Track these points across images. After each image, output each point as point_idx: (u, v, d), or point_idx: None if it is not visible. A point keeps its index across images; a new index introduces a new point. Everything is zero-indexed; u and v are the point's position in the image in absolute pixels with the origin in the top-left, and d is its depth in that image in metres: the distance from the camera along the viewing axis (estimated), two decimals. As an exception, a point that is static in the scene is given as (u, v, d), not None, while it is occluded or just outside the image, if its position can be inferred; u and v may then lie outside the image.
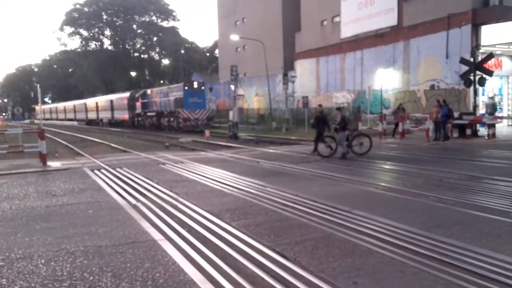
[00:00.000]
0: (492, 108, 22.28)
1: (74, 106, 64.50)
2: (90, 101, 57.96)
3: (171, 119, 34.46)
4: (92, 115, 55.53)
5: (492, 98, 23.54)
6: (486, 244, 4.66)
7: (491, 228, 5.27)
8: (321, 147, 13.44)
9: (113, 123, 48.01)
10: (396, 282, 3.75)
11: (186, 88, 32.94)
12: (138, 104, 41.21)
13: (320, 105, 15.12)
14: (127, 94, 45.36)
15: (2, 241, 5.25)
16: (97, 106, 53.27)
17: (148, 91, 41.30)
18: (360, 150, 13.21)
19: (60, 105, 74.79)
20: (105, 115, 50.59)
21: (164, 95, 36.64)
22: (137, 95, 42.18)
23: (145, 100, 40.37)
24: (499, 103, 24.66)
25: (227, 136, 24.65)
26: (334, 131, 13.30)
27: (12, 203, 7.45)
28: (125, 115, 44.16)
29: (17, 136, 16.12)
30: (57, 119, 74.05)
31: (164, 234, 5.34)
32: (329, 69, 35.64)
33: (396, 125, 19.77)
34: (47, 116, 79.93)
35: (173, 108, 34.23)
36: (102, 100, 52.88)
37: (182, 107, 32.53)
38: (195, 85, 34.03)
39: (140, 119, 41.56)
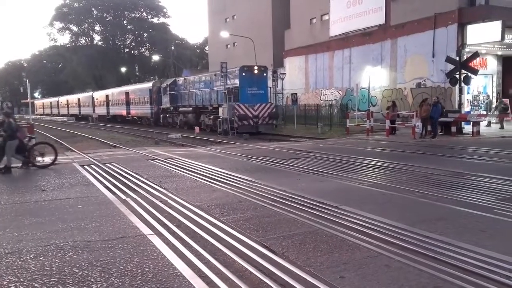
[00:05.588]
0: (490, 106, 22.77)
1: (79, 99, 56.65)
2: (99, 94, 49.92)
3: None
4: (100, 110, 48.33)
5: (489, 96, 23.97)
6: (469, 239, 4.75)
7: (475, 224, 5.38)
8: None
9: (128, 119, 40.89)
10: (382, 276, 3.82)
11: (243, 74, 24.10)
12: (165, 97, 33.20)
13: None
14: (148, 84, 37.67)
15: (-9, 236, 5.23)
16: (107, 100, 45.89)
17: (180, 80, 32.85)
18: (42, 161, 11.49)
19: (62, 98, 65.59)
20: (118, 110, 43.11)
21: (207, 84, 27.76)
22: (163, 85, 34.08)
23: (176, 92, 32.11)
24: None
25: (217, 132, 24.68)
26: (2, 140, 10.86)
27: (1, 198, 7.43)
28: (146, 111, 36.49)
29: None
30: (58, 114, 66.22)
31: (154, 229, 5.37)
32: (318, 67, 35.82)
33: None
34: (47, 111, 74.05)
35: (222, 102, 25.28)
36: (115, 92, 44.95)
37: (237, 100, 23.89)
38: (255, 70, 24.63)
39: (168, 115, 33.52)
